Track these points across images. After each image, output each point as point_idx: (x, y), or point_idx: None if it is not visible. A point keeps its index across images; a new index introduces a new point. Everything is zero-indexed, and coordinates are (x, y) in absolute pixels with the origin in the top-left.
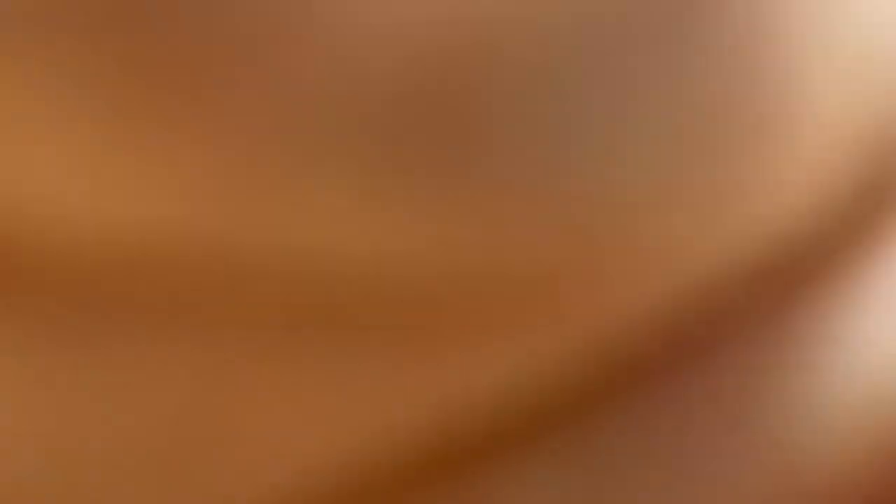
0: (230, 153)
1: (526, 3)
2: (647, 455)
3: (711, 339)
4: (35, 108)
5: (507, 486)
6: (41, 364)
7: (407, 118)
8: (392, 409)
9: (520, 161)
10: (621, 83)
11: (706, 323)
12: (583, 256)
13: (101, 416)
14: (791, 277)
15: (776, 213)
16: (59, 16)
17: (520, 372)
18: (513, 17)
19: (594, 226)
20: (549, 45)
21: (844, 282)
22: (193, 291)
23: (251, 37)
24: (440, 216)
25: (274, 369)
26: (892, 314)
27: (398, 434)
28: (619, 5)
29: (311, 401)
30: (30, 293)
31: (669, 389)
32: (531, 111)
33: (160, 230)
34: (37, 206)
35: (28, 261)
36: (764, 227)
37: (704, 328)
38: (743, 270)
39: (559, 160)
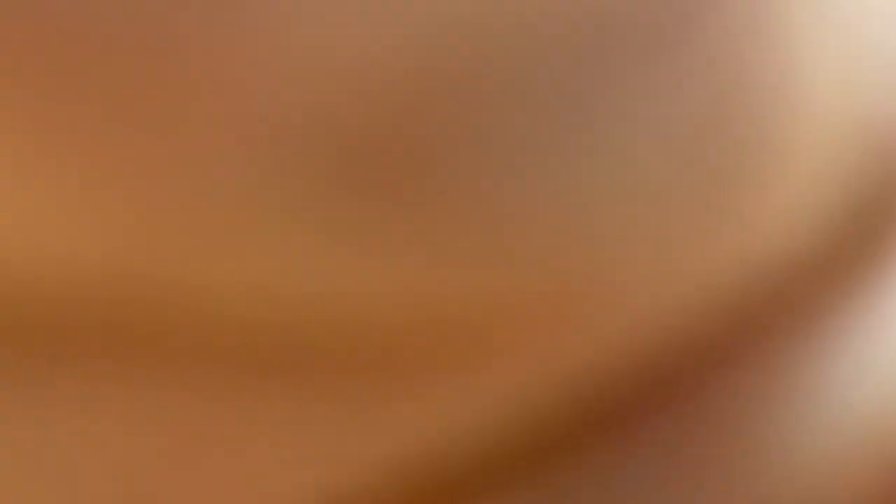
0: (176, 187)
1: (488, 20)
2: (635, 487)
3: (703, 366)
4: None
5: None
6: None
7: (362, 151)
8: (365, 448)
9: (487, 192)
10: (599, 102)
11: (697, 350)
12: (566, 286)
13: (48, 458)
14: (787, 299)
15: (770, 235)
16: None
17: (502, 406)
18: (473, 37)
19: (577, 254)
20: (514, 63)
21: (842, 303)
22: (147, 332)
23: (186, 66)
24: (408, 251)
25: (237, 412)
26: (891, 336)
27: (371, 474)
28: (595, 15)
29: (271, 444)
30: None
31: (660, 418)
32: (500, 137)
33: (103, 267)
34: None
35: None
36: (758, 249)
37: (696, 356)
38: (736, 294)
39: (530, 189)
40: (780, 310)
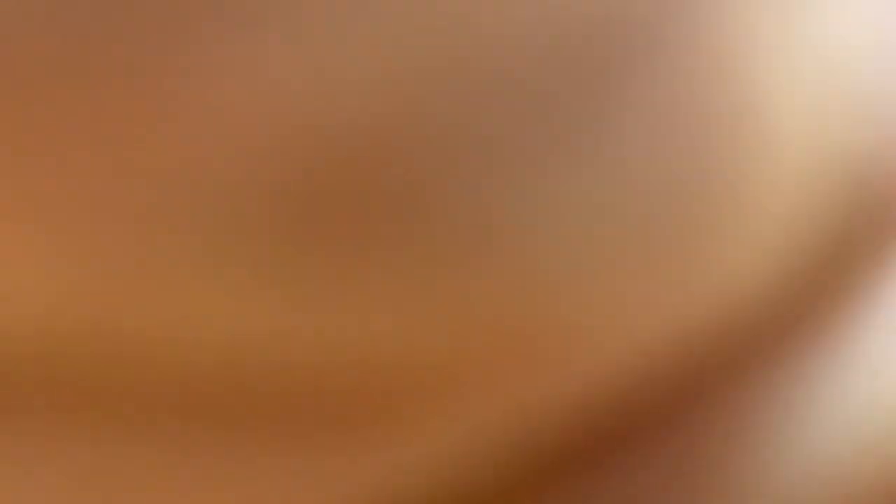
0: (117, 237)
1: (446, 59)
2: None
3: (682, 399)
4: None
5: None
6: None
7: (312, 195)
8: (333, 498)
9: (458, 235)
10: (566, 139)
11: (676, 381)
12: (540, 324)
13: None
14: (766, 333)
15: (745, 268)
16: None
17: (477, 445)
18: (431, 76)
19: (551, 291)
20: (473, 104)
21: (821, 334)
22: (95, 386)
23: (140, 110)
24: (375, 300)
25: (193, 466)
26: (871, 366)
27: None
28: (554, 56)
29: (231, 498)
30: None
31: (640, 450)
32: (460, 175)
33: (48, 320)
34: None
35: None
36: (735, 281)
37: (674, 387)
38: (714, 326)
39: (502, 231)
40: (756, 343)
